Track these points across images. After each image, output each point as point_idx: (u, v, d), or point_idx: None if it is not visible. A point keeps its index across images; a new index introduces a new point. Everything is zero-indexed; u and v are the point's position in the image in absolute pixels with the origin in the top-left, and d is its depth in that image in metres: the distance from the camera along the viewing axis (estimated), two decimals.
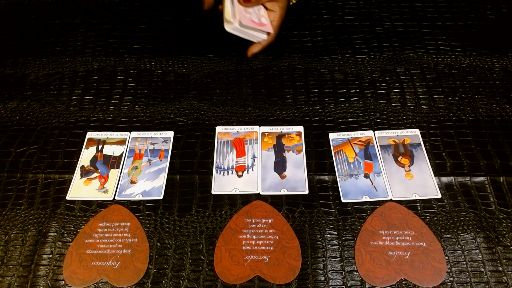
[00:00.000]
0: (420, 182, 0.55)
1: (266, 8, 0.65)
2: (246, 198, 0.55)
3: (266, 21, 0.63)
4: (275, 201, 0.55)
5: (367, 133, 0.61)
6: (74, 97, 0.67)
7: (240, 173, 0.57)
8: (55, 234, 0.53)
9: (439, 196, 0.54)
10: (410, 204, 0.54)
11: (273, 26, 0.64)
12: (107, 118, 0.64)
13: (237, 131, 0.62)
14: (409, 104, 0.64)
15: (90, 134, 0.62)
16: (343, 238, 0.52)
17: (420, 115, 0.62)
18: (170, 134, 0.62)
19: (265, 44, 0.65)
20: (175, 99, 0.66)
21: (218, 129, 0.62)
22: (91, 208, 0.55)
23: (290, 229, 0.52)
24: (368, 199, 0.54)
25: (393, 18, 0.75)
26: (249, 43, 0.66)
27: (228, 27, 0.60)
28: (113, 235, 0.52)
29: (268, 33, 0.64)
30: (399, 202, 0.54)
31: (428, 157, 0.58)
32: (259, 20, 0.62)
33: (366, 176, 0.56)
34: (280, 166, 0.58)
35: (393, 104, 0.64)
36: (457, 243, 0.51)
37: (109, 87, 0.68)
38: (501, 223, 0.52)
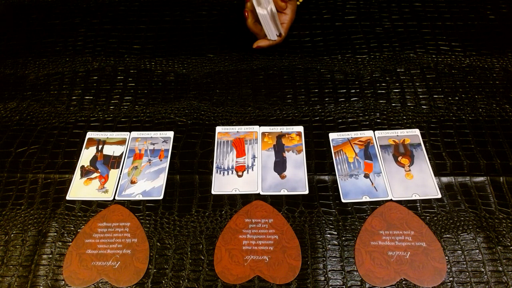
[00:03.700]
0: (420, 182, 0.55)
1: (278, 11, 0.66)
2: (246, 198, 0.55)
3: (279, 24, 0.65)
4: (275, 201, 0.55)
5: (367, 133, 0.61)
6: (74, 97, 0.67)
7: (240, 173, 0.57)
8: (55, 234, 0.53)
9: (439, 196, 0.54)
10: (410, 204, 0.54)
11: (284, 28, 0.66)
12: (107, 118, 0.64)
13: (237, 131, 0.62)
14: (409, 104, 0.64)
15: (90, 134, 0.62)
16: (343, 238, 0.52)
17: (420, 115, 0.62)
18: (170, 134, 0.62)
19: (272, 43, 0.67)
20: (175, 99, 0.66)
21: (218, 129, 0.62)
22: (91, 208, 0.55)
23: (290, 229, 0.52)
24: (368, 199, 0.54)
25: (393, 18, 0.75)
26: (254, 40, 0.66)
27: (260, 10, 0.61)
28: (113, 235, 0.52)
29: (279, 35, 0.66)
30: (399, 202, 0.54)
31: (428, 157, 0.58)
32: (276, 21, 0.64)
33: (366, 176, 0.56)
34: (280, 166, 0.58)
35: (393, 104, 0.64)
36: (457, 243, 0.51)
37: (109, 87, 0.68)
38: (501, 223, 0.52)
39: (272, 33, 0.65)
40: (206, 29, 0.75)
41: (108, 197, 0.56)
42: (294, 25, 0.75)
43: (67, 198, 0.56)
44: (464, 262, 0.49)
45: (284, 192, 0.55)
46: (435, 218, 0.53)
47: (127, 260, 0.51)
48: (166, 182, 0.57)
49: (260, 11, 0.61)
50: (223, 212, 0.54)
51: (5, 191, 0.57)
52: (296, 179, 0.56)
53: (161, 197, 0.55)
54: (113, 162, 0.59)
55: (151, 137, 0.62)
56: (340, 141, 0.60)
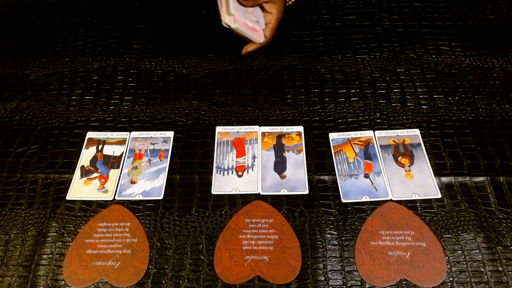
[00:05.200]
0: (420, 182, 0.55)
1: (263, 10, 0.66)
2: (246, 198, 0.55)
3: (259, 28, 0.64)
4: (275, 201, 0.55)
5: (367, 133, 0.61)
6: (74, 97, 0.67)
7: (240, 173, 0.57)
8: (55, 234, 0.53)
9: (439, 196, 0.54)
10: (410, 204, 0.54)
11: (270, 28, 0.66)
12: (107, 118, 0.64)
13: (237, 131, 0.62)
14: (409, 104, 0.64)
15: (90, 134, 0.62)
16: (343, 238, 0.52)
17: (420, 115, 0.62)
18: (170, 134, 0.62)
19: (259, 45, 0.66)
20: (175, 99, 0.66)
21: (218, 129, 0.62)
22: (91, 208, 0.55)
23: (290, 229, 0.52)
24: (368, 199, 0.54)
25: (393, 18, 0.75)
26: (244, 42, 0.66)
27: (230, 23, 0.60)
28: (113, 235, 0.52)
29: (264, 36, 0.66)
30: (399, 202, 0.54)
31: (428, 157, 0.58)
32: (252, 25, 0.63)
33: (366, 176, 0.56)
34: (280, 166, 0.58)
35: (393, 104, 0.64)
36: (457, 243, 0.51)
37: (109, 87, 0.68)
38: (501, 223, 0.52)
39: (252, 37, 0.64)
40: (206, 29, 0.75)
41: (108, 197, 0.56)
42: (294, 25, 0.75)
43: (67, 198, 0.56)
44: (464, 262, 0.49)
45: (284, 192, 0.55)
46: (435, 218, 0.53)
47: (127, 260, 0.51)
48: (166, 182, 0.57)
49: (232, 25, 0.60)
50: (223, 212, 0.54)
51: (5, 191, 0.57)
52: (296, 179, 0.56)
53: (161, 197, 0.55)
54: (113, 162, 0.59)
55: (151, 137, 0.61)
56: (340, 141, 0.60)
